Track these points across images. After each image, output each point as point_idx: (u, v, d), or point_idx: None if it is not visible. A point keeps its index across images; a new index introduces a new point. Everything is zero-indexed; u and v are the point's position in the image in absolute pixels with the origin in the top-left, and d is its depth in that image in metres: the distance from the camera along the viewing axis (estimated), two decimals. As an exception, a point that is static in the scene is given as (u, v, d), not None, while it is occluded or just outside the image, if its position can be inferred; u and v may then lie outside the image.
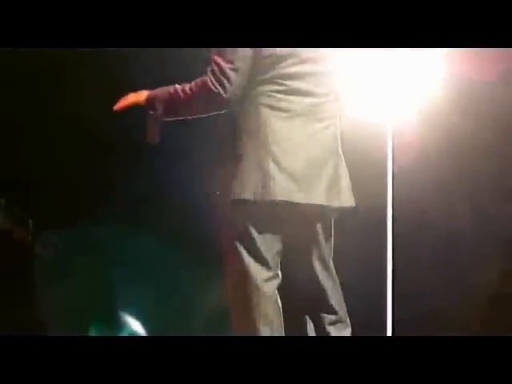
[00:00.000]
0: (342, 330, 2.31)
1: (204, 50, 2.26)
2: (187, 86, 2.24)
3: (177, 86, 2.27)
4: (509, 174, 4.56)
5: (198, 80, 2.22)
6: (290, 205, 2.19)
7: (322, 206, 2.25)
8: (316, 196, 2.23)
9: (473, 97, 4.35)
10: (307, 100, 2.25)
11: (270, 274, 2.24)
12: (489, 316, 4.37)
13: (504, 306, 4.39)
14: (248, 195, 2.17)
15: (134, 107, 2.34)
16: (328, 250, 2.36)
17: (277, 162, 2.18)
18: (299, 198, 2.19)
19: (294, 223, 2.26)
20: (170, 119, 2.35)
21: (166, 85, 2.32)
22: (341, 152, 2.35)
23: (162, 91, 2.31)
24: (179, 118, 2.35)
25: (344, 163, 2.35)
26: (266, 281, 2.21)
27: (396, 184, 3.74)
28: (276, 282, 2.26)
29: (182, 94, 2.25)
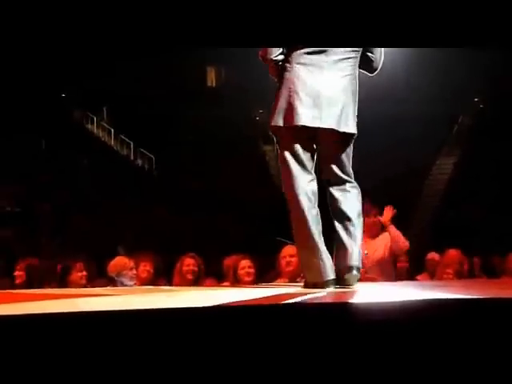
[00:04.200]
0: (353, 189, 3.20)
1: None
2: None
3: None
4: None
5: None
6: (309, 128, 3.06)
7: (332, 130, 3.07)
8: (330, 123, 3.06)
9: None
10: (330, 58, 3.07)
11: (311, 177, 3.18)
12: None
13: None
14: (281, 122, 3.09)
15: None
16: (341, 160, 3.19)
17: (301, 101, 3.04)
18: (316, 123, 3.05)
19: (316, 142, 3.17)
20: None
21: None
22: (354, 94, 3.14)
23: None
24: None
25: (355, 103, 3.14)
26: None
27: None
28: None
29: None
